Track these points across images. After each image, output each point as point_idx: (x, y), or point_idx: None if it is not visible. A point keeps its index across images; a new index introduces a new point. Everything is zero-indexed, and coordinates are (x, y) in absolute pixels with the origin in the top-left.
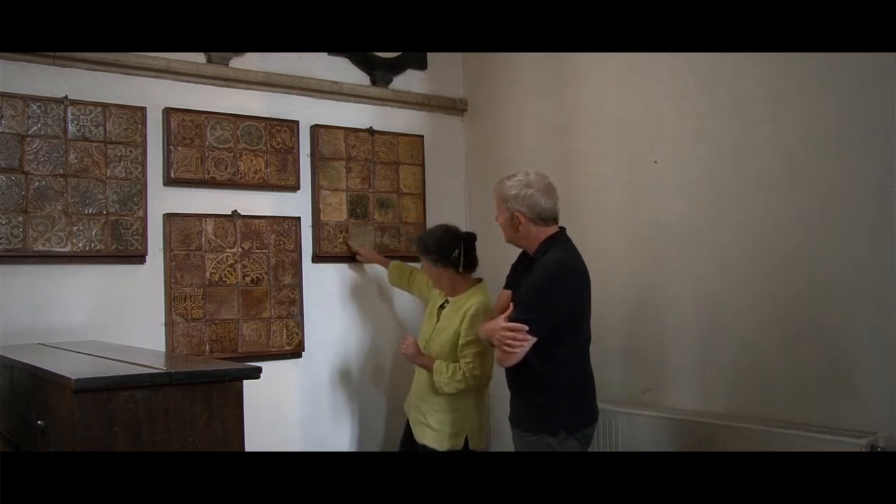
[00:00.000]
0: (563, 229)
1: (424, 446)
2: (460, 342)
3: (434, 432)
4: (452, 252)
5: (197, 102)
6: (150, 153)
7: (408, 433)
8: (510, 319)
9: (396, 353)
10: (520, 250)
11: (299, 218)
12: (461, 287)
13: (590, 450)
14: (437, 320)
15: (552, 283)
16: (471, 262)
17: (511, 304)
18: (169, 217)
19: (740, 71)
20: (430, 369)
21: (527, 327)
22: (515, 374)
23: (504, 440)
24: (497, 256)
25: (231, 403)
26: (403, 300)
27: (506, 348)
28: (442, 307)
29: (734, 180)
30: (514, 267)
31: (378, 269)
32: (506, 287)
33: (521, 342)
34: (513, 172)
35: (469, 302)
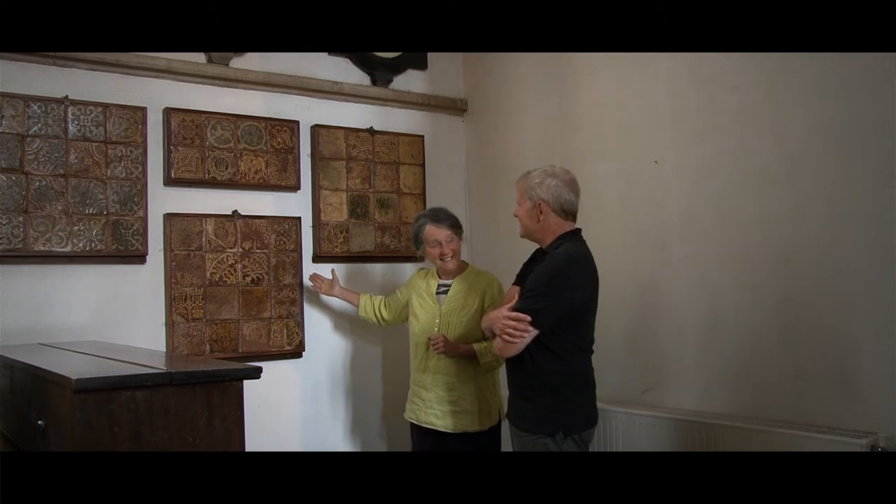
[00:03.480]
0: (578, 230)
1: (465, 433)
2: None
3: (472, 415)
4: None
5: (197, 102)
6: (150, 153)
7: (422, 437)
8: (515, 309)
9: (396, 352)
10: (530, 251)
11: (300, 218)
12: (462, 266)
13: (589, 450)
14: (440, 305)
15: (560, 275)
16: None
17: (516, 296)
18: (169, 217)
19: (740, 71)
20: (469, 354)
21: (529, 318)
22: (515, 373)
23: (506, 438)
24: (496, 255)
25: (231, 403)
26: None
27: (507, 337)
28: (438, 292)
29: (734, 180)
30: (526, 265)
31: (378, 269)
32: (516, 283)
33: (523, 332)
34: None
35: (481, 278)
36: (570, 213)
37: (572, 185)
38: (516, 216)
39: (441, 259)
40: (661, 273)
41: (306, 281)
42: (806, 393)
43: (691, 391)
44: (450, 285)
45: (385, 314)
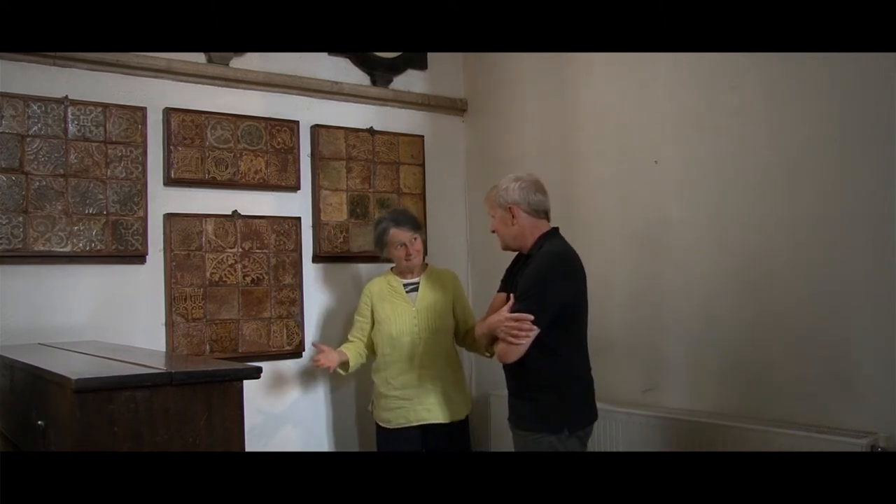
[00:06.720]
0: (556, 228)
1: (451, 422)
2: (466, 309)
3: (457, 402)
4: None
5: (197, 102)
6: (150, 153)
7: (408, 438)
8: (512, 311)
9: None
10: (513, 257)
11: (299, 218)
12: (424, 265)
13: (589, 449)
14: (414, 302)
15: (551, 272)
16: None
17: (511, 299)
18: (169, 217)
19: (740, 71)
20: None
21: (532, 317)
22: (516, 374)
23: (504, 440)
24: (496, 255)
25: (231, 403)
26: None
27: (511, 339)
28: (408, 291)
29: (734, 180)
30: (509, 270)
31: (377, 269)
32: (500, 290)
33: (527, 332)
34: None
35: (446, 275)
36: (541, 212)
37: (538, 186)
38: (493, 231)
39: (407, 259)
40: (660, 273)
41: (308, 352)
42: (806, 393)
43: (691, 391)
44: (417, 283)
45: (369, 341)
